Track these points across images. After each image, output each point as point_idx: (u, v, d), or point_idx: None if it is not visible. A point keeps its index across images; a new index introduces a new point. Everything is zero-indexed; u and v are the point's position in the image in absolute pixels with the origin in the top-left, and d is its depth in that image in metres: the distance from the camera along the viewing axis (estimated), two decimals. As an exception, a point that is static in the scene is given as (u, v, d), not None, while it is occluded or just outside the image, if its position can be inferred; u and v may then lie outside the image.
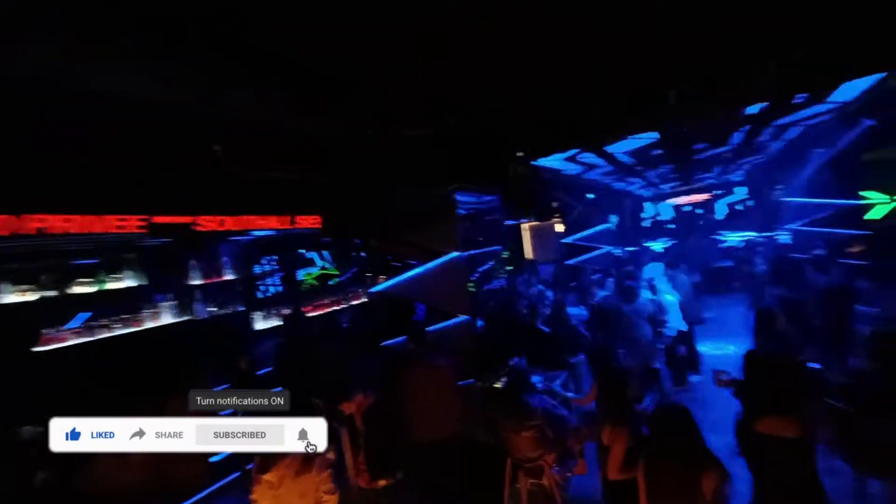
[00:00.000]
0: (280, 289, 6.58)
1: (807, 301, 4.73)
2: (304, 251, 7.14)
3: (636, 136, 5.52)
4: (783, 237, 11.52)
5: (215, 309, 5.30)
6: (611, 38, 2.94)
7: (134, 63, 2.31)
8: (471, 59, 2.88)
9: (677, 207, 15.31)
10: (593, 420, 3.57)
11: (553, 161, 6.66)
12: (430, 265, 4.23)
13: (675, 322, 5.69)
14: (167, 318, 4.72)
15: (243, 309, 5.71)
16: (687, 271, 7.42)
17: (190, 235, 4.35)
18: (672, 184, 13.15)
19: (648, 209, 15.72)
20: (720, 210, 14.64)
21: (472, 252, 4.59)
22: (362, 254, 7.79)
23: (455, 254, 4.28)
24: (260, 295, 6.20)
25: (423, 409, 3.58)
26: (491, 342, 4.44)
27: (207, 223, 4.48)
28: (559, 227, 12.72)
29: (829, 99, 5.01)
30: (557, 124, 4.30)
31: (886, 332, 3.11)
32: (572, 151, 6.03)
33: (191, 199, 4.15)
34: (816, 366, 3.70)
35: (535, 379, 4.37)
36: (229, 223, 4.72)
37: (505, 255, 10.40)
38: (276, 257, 6.60)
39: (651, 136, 5.70)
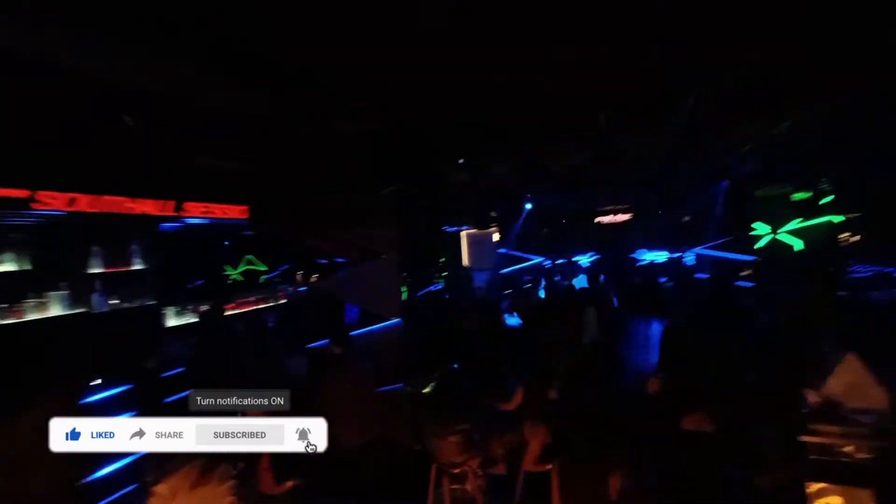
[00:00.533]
0: (199, 283, 6.08)
1: (706, 316, 5.32)
2: (228, 243, 6.68)
3: (571, 153, 5.87)
4: (689, 258, 12.92)
5: (118, 302, 4.75)
6: (553, 61, 3.11)
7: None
8: (418, 62, 2.89)
9: (602, 224, 16.49)
10: (517, 423, 3.72)
11: (494, 170, 6.87)
12: (364, 266, 4.13)
13: (595, 333, 6.09)
14: (56, 310, 4.15)
15: (153, 303, 5.19)
16: (608, 285, 8.01)
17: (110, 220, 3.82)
18: (599, 202, 14.14)
19: (576, 225, 16.77)
20: (637, 230, 16.00)
21: (409, 255, 4.57)
22: (293, 251, 7.46)
23: (389, 256, 4.23)
24: (175, 289, 5.68)
25: (339, 412, 3.50)
26: (422, 347, 4.45)
27: (50, 201, 3.84)
28: (496, 236, 13.15)
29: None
30: (496, 135, 4.44)
31: (762, 345, 3.60)
32: (510, 162, 6.26)
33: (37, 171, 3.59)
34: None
35: (464, 384, 4.46)
36: (101, 204, 4.15)
37: (441, 260, 10.53)
38: (196, 248, 6.09)
39: (582, 155, 6.09)
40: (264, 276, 7.22)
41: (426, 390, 4.29)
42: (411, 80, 3.26)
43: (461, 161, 5.56)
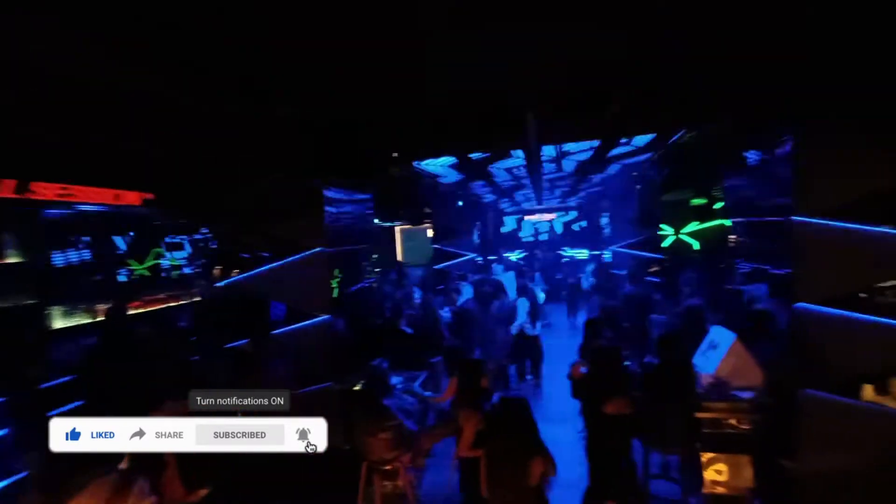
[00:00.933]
0: (96, 278, 5.37)
1: (621, 308, 5.80)
2: (133, 234, 5.98)
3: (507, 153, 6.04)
4: (607, 256, 14.03)
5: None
6: (483, 56, 3.15)
7: None
8: (353, 46, 2.76)
9: (531, 223, 17.28)
10: (449, 416, 3.78)
11: (432, 167, 6.86)
12: (289, 260, 3.90)
13: (525, 325, 6.39)
14: None
15: (34, 302, 4.49)
16: (537, 280, 8.41)
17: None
18: (528, 202, 14.78)
19: (508, 223, 17.41)
20: (561, 229, 17.01)
21: (338, 249, 4.41)
22: (210, 243, 6.86)
23: (318, 249, 4.04)
24: (62, 285, 4.96)
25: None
26: (351, 343, 4.32)
27: None
28: (430, 232, 13.20)
29: (639, 144, 6.21)
30: (433, 130, 4.43)
31: (664, 334, 4.01)
32: (447, 160, 6.30)
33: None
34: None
35: (396, 380, 4.43)
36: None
37: (374, 256, 10.34)
38: (89, 239, 5.37)
39: (518, 155, 6.30)
40: (177, 271, 6.56)
41: (356, 388, 4.19)
42: (344, 64, 3.12)
43: (395, 155, 5.48)
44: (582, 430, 3.30)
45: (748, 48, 3.00)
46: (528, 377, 6.36)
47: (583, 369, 3.53)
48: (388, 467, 3.72)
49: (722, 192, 9.96)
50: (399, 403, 3.79)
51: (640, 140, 5.67)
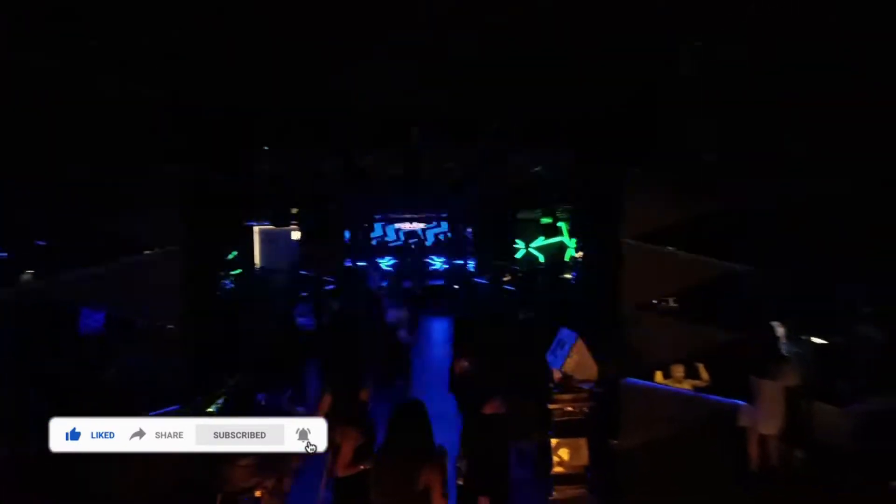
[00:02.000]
0: None
1: (485, 313, 6.35)
2: None
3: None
4: (470, 265, 15.10)
5: None
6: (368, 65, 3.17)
7: None
8: (235, 32, 2.49)
9: (400, 231, 17.57)
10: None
11: (301, 165, 6.47)
12: (133, 259, 3.22)
13: (400, 331, 6.46)
14: None
15: None
16: (407, 286, 8.58)
17: None
18: (399, 209, 15.02)
19: (378, 229, 17.39)
20: (430, 238, 17.73)
21: (193, 248, 3.82)
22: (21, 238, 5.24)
23: (168, 249, 3.43)
24: None
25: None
26: (204, 357, 3.76)
27: None
28: (295, 234, 12.35)
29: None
30: (310, 127, 4.23)
31: (522, 337, 4.55)
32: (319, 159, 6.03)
33: None
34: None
35: (259, 396, 4.01)
36: None
37: (231, 256, 9.19)
38: None
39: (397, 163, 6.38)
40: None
41: (209, 409, 3.66)
42: (209, 44, 2.78)
43: (266, 149, 5.02)
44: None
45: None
46: (399, 382, 6.45)
47: (463, 366, 3.74)
48: (246, 496, 3.34)
49: (565, 213, 11.74)
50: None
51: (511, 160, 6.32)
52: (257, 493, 3.31)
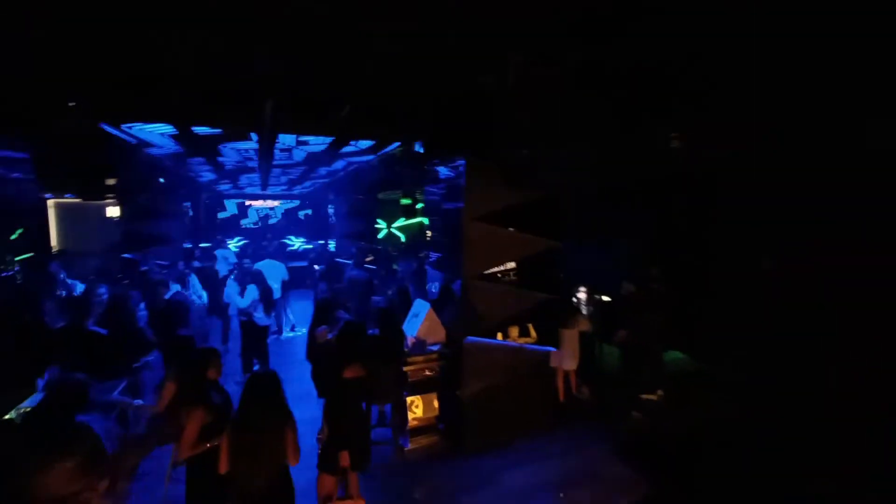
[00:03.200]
0: None
1: (345, 291, 6.46)
2: None
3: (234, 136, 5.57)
4: (332, 245, 14.80)
5: None
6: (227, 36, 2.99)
7: None
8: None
9: (254, 209, 16.14)
10: (159, 423, 3.34)
11: (142, 133, 5.52)
12: None
13: (254, 314, 6.14)
14: None
15: None
16: (261, 269, 8.04)
17: None
18: (252, 187, 13.76)
19: (229, 207, 15.66)
20: (287, 217, 16.72)
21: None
22: None
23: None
24: None
25: None
26: (11, 352, 3.09)
27: None
28: (113, 211, 10.38)
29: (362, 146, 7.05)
30: (146, 91, 3.71)
31: (382, 310, 4.89)
32: (165, 128, 5.25)
33: None
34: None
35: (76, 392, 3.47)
36: None
37: (14, 236, 7.28)
38: None
39: (250, 141, 5.92)
40: None
41: (8, 416, 3.06)
42: None
43: (73, 104, 4.16)
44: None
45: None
46: (256, 366, 6.17)
47: (329, 335, 3.87)
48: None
49: (422, 194, 12.38)
50: (92, 420, 3.05)
51: (363, 144, 6.45)
52: (84, 497, 2.95)
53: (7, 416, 3.00)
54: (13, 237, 7.72)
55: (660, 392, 5.04)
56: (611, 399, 5.38)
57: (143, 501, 3.70)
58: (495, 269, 5.51)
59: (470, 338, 4.65)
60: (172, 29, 2.95)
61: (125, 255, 8.28)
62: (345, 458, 3.11)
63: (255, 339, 6.18)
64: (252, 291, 6.01)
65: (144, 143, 6.15)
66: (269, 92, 3.87)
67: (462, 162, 4.88)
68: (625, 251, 6.09)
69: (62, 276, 6.71)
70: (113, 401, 3.44)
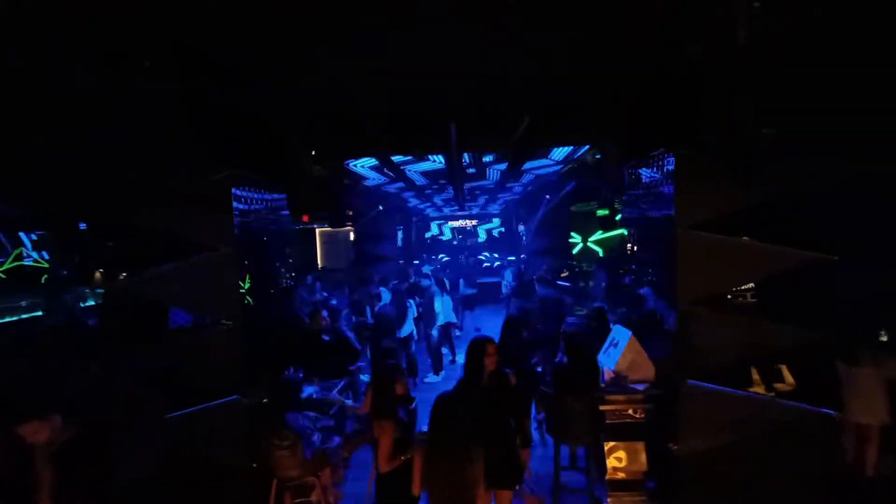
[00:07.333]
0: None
1: (535, 310, 6.15)
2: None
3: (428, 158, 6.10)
4: (523, 261, 14.81)
5: None
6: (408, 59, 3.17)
7: None
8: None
9: (453, 229, 17.70)
10: (366, 424, 3.67)
11: (357, 168, 6.69)
12: (192, 260, 3.50)
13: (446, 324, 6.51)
14: None
15: None
16: (460, 284, 8.57)
17: None
18: (450, 207, 15.12)
19: (432, 228, 17.66)
20: (482, 235, 17.68)
21: (248, 250, 4.08)
22: (89, 242, 5.94)
23: (225, 250, 3.67)
24: None
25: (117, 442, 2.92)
26: (263, 352, 4.01)
27: None
28: (351, 235, 12.86)
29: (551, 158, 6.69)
30: (353, 129, 4.34)
31: (572, 334, 4.34)
32: (369, 161, 6.19)
33: None
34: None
35: (312, 389, 4.20)
36: None
37: (290, 260, 9.80)
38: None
39: (439, 161, 6.39)
40: (46, 275, 5.58)
41: (265, 401, 3.90)
42: (257, 37, 2.86)
43: (314, 153, 5.25)
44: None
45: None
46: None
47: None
48: (296, 484, 3.52)
49: (621, 204, 11.10)
50: (299, 419, 3.60)
51: (554, 154, 6.10)
52: (308, 481, 3.47)
53: (263, 400, 3.80)
54: (290, 261, 10.44)
55: None
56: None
57: (354, 490, 4.17)
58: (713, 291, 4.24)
59: (692, 381, 3.63)
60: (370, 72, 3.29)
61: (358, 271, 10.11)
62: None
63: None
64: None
65: (360, 177, 7.33)
66: (452, 115, 3.97)
67: (669, 158, 3.96)
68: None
69: (317, 287, 8.58)
70: (331, 398, 4.01)
